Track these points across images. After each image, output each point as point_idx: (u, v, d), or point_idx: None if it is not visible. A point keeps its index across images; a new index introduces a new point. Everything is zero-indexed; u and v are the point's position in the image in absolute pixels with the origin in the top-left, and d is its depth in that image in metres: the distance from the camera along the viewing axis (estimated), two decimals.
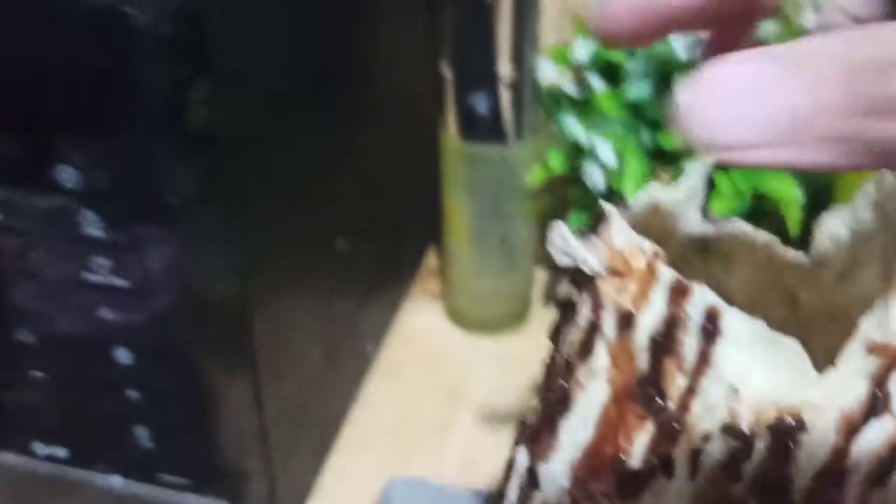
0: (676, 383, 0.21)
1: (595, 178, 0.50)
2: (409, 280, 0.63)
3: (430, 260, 0.66)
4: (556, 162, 0.52)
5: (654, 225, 0.25)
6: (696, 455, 0.22)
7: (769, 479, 0.21)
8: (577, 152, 0.52)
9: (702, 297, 0.20)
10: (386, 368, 0.58)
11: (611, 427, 0.23)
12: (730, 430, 0.21)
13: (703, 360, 0.21)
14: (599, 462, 0.23)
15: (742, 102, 0.13)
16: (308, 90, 0.44)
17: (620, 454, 0.23)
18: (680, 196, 0.25)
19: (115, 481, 0.42)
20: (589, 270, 0.22)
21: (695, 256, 0.27)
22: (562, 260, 0.22)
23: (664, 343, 0.21)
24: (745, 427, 0.21)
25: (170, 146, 0.35)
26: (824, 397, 0.20)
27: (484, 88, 0.53)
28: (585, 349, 0.23)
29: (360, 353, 0.55)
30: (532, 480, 0.25)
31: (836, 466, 0.21)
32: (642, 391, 0.22)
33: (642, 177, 0.49)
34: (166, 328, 0.39)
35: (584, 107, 0.52)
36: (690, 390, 0.21)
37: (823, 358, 0.27)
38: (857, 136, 0.13)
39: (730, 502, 0.22)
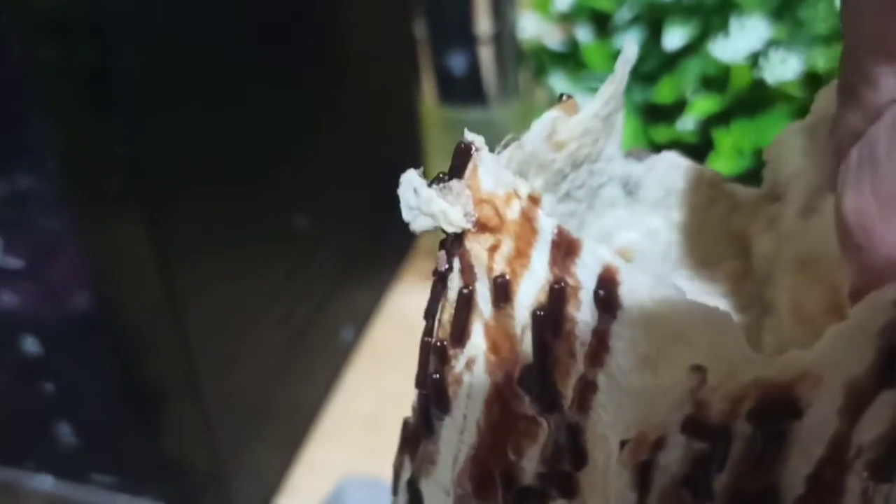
0: (571, 375, 0.15)
1: None
2: (398, 261, 0.57)
3: (427, 240, 0.60)
4: None
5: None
6: (645, 469, 0.15)
7: (751, 492, 0.15)
8: None
9: (593, 254, 0.14)
10: (368, 356, 0.52)
11: (496, 432, 0.17)
12: (694, 426, 0.14)
13: (601, 343, 0.15)
14: (486, 477, 0.17)
15: None
16: (246, 49, 0.39)
17: (509, 467, 0.17)
18: (591, 124, 0.19)
19: (46, 481, 0.37)
20: (451, 227, 0.16)
21: (621, 203, 0.20)
22: (416, 221, 0.16)
23: (549, 319, 0.15)
24: (715, 420, 0.14)
25: (42, 90, 0.31)
26: (824, 364, 0.14)
27: (461, 47, 0.46)
28: (459, 331, 0.17)
29: (336, 340, 0.49)
30: (414, 498, 0.19)
31: (835, 461, 0.15)
32: (528, 385, 0.16)
33: (634, 136, 0.43)
34: (75, 314, 0.34)
35: (570, 61, 0.45)
36: (588, 385, 0.15)
37: (793, 320, 0.20)
38: None
39: None
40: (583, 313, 0.15)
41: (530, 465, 0.16)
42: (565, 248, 0.15)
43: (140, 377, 0.37)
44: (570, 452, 0.16)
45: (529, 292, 0.15)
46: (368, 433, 0.48)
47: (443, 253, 0.17)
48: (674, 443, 0.14)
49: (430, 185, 0.16)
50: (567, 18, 0.45)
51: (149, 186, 0.34)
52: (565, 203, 0.20)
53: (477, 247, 0.16)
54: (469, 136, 0.16)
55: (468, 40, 0.46)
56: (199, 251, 0.37)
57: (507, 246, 0.15)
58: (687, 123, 0.42)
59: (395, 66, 0.49)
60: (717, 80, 0.41)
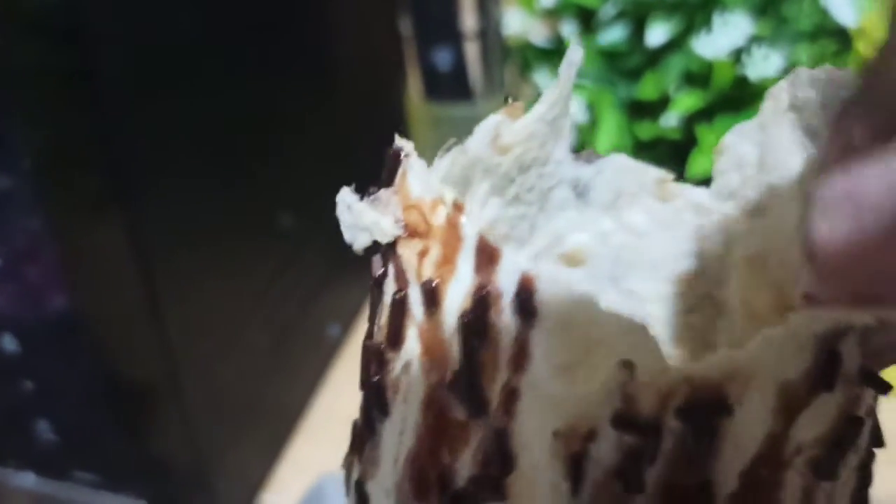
0: (497, 380, 0.15)
1: None
2: None
3: None
4: None
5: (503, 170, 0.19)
6: (577, 460, 0.15)
7: (683, 486, 0.15)
8: None
9: (512, 262, 0.14)
10: (355, 354, 0.52)
11: (432, 435, 0.17)
12: (623, 420, 0.14)
13: (521, 349, 0.15)
14: (425, 480, 0.17)
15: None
16: (229, 47, 0.39)
17: (445, 471, 0.17)
18: (536, 127, 0.19)
19: (28, 479, 0.38)
20: (384, 236, 0.16)
21: (571, 205, 0.20)
22: (356, 238, 0.16)
23: (474, 325, 0.15)
24: (645, 415, 0.14)
25: (18, 90, 0.31)
26: (756, 363, 0.14)
27: (446, 43, 0.46)
28: (395, 335, 0.17)
29: (322, 339, 0.50)
30: (361, 500, 0.19)
31: (771, 458, 0.15)
32: (457, 389, 0.16)
33: (618, 132, 0.43)
34: (53, 313, 0.34)
35: (555, 57, 0.45)
36: (513, 391, 0.15)
37: (744, 319, 0.20)
38: None
39: None
40: (504, 320, 0.15)
41: (464, 468, 0.16)
42: (487, 256, 0.15)
43: (120, 376, 0.37)
44: (498, 457, 0.16)
45: (456, 298, 0.15)
46: None
47: (378, 258, 0.17)
48: (605, 435, 0.14)
49: (361, 198, 0.16)
50: (552, 15, 0.45)
51: (127, 186, 0.34)
52: (515, 206, 0.20)
53: (407, 252, 0.16)
54: (399, 142, 0.16)
55: (454, 37, 0.46)
56: (181, 250, 0.37)
57: (435, 252, 0.15)
58: (670, 120, 0.41)
59: (381, 62, 0.49)
60: (700, 76, 0.41)
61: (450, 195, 0.15)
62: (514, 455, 0.15)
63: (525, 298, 0.14)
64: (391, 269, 0.16)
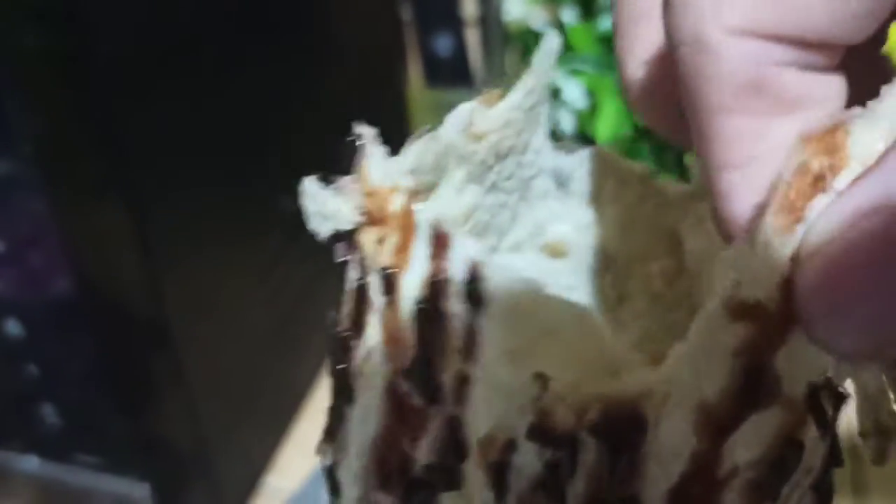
0: (450, 368, 0.15)
1: (564, 121, 0.43)
2: None
3: None
4: None
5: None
6: (499, 470, 0.15)
7: (609, 502, 0.15)
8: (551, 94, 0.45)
9: (462, 249, 0.14)
10: None
11: (394, 423, 0.17)
12: (538, 434, 0.14)
13: (471, 337, 0.14)
14: (387, 467, 0.17)
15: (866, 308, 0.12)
16: (229, 32, 0.39)
17: (405, 458, 0.17)
18: (512, 115, 0.18)
19: (32, 462, 0.38)
20: (346, 224, 0.16)
21: (553, 195, 0.20)
22: (321, 226, 0.16)
23: (429, 313, 0.15)
24: (560, 429, 0.14)
25: (19, 75, 0.31)
26: (671, 382, 0.14)
27: (447, 29, 0.46)
28: (357, 323, 0.17)
29: (325, 319, 0.50)
30: (333, 486, 0.19)
31: (702, 478, 0.14)
32: (413, 377, 0.16)
33: (617, 118, 0.42)
34: (57, 297, 0.35)
35: None
36: (465, 379, 0.15)
37: None
38: None
39: None
40: (456, 307, 0.15)
41: (422, 456, 0.17)
42: (440, 243, 0.15)
43: (123, 359, 0.37)
44: (451, 445, 0.16)
45: (413, 285, 0.15)
46: None
47: (340, 245, 0.17)
48: (525, 446, 0.14)
49: (324, 186, 0.16)
50: (552, 0, 0.45)
51: (129, 169, 0.34)
52: (494, 194, 0.20)
53: (367, 239, 0.16)
54: (359, 128, 0.16)
55: (454, 22, 0.46)
56: (182, 233, 0.38)
57: (392, 239, 0.15)
58: None
59: (381, 48, 0.48)
60: None
61: (405, 182, 0.15)
62: (467, 443, 0.16)
63: (473, 286, 0.14)
64: (353, 257, 0.16)
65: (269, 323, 0.44)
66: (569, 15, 0.45)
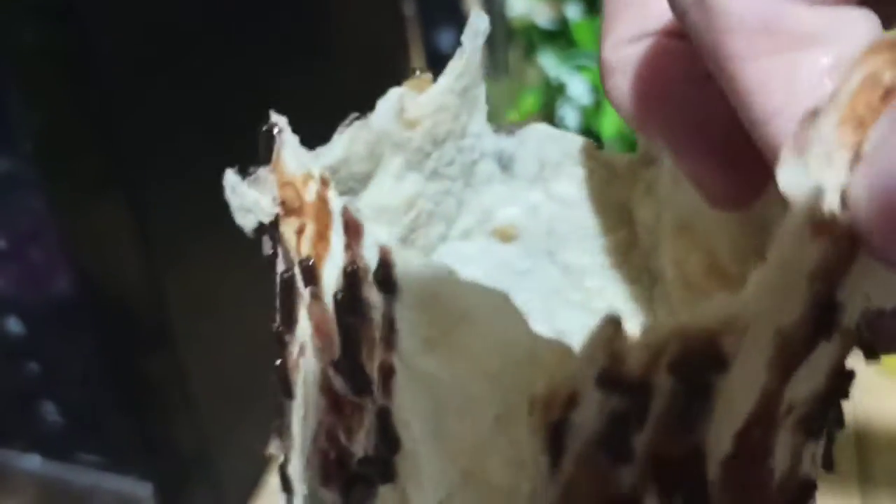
0: (375, 358, 0.15)
1: (568, 117, 0.43)
2: None
3: None
4: (532, 103, 0.45)
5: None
6: (557, 430, 0.13)
7: (673, 455, 0.13)
8: (553, 91, 0.44)
9: (372, 236, 0.14)
10: None
11: (330, 417, 0.16)
12: (610, 381, 0.12)
13: (390, 325, 0.14)
14: (327, 463, 0.17)
15: None
16: (228, 26, 0.39)
17: (343, 453, 0.16)
18: (445, 100, 0.18)
19: (33, 461, 0.39)
20: (266, 216, 0.15)
21: (497, 179, 0.20)
22: (244, 219, 0.16)
23: (347, 303, 0.14)
24: (635, 374, 0.12)
25: (18, 71, 0.31)
26: (752, 311, 0.12)
27: (450, 24, 0.46)
28: (288, 316, 0.16)
29: None
30: (285, 484, 0.19)
31: (765, 418, 0.13)
32: (341, 369, 0.15)
33: None
34: (58, 295, 0.35)
35: (560, 39, 0.44)
36: (388, 369, 0.14)
37: (678, 286, 0.19)
38: None
39: (615, 500, 0.14)
40: (374, 296, 0.14)
41: (359, 449, 0.16)
42: (352, 230, 0.14)
43: (124, 357, 0.38)
44: (382, 437, 0.15)
45: (332, 275, 0.15)
46: None
47: (266, 238, 0.16)
48: (588, 400, 0.13)
49: (243, 178, 0.16)
50: None
51: (129, 166, 0.35)
52: (436, 181, 0.20)
53: (287, 230, 0.15)
54: (274, 117, 0.15)
55: (457, 18, 0.45)
56: (183, 231, 0.38)
57: (310, 228, 0.15)
58: None
59: (384, 43, 0.48)
60: None
61: (317, 169, 0.15)
62: (397, 434, 0.15)
63: (385, 273, 0.13)
64: (279, 249, 0.16)
65: (268, 322, 0.44)
66: (573, 10, 0.44)
